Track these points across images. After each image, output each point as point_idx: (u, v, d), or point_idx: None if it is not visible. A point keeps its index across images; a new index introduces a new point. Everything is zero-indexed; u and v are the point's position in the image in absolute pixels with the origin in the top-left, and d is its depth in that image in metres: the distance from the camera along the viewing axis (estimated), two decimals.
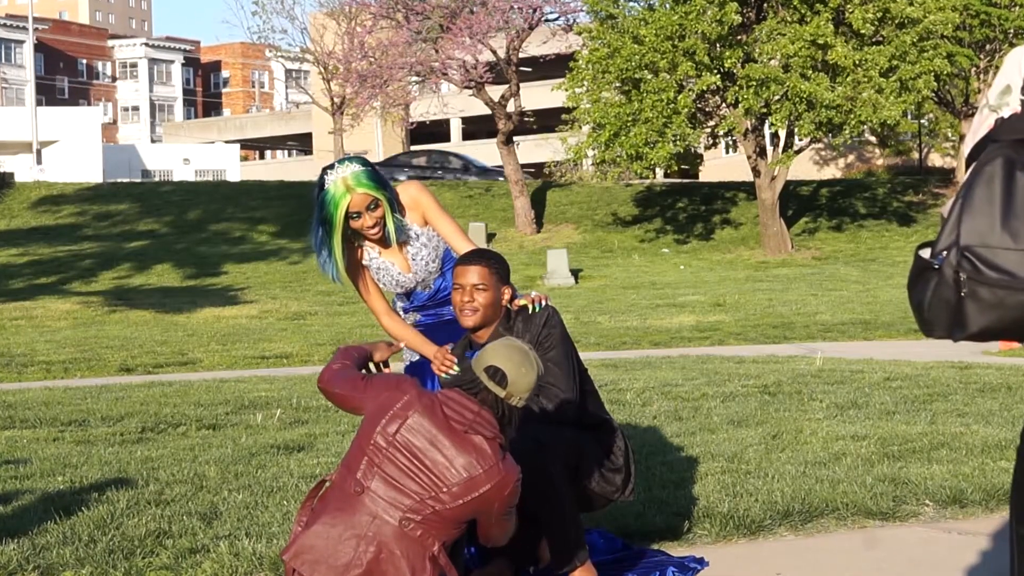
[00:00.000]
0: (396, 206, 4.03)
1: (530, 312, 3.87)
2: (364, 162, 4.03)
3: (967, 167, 2.50)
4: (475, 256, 3.88)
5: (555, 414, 3.76)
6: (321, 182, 3.99)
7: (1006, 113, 2.49)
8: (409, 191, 4.13)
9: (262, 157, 76.78)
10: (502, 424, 3.17)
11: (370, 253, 4.13)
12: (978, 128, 2.51)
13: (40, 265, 27.00)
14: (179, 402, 8.68)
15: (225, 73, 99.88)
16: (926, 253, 2.42)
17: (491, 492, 3.07)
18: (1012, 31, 31.18)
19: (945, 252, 2.36)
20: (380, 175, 4.04)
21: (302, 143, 66.57)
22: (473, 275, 3.81)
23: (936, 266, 2.37)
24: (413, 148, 46.96)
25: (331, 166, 4.03)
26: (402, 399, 3.16)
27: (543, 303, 3.89)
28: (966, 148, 2.54)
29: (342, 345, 3.61)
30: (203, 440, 6.93)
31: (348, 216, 3.96)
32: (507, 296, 3.85)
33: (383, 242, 4.07)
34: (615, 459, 3.85)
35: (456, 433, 3.09)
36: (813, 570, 4.15)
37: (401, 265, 4.12)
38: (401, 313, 4.26)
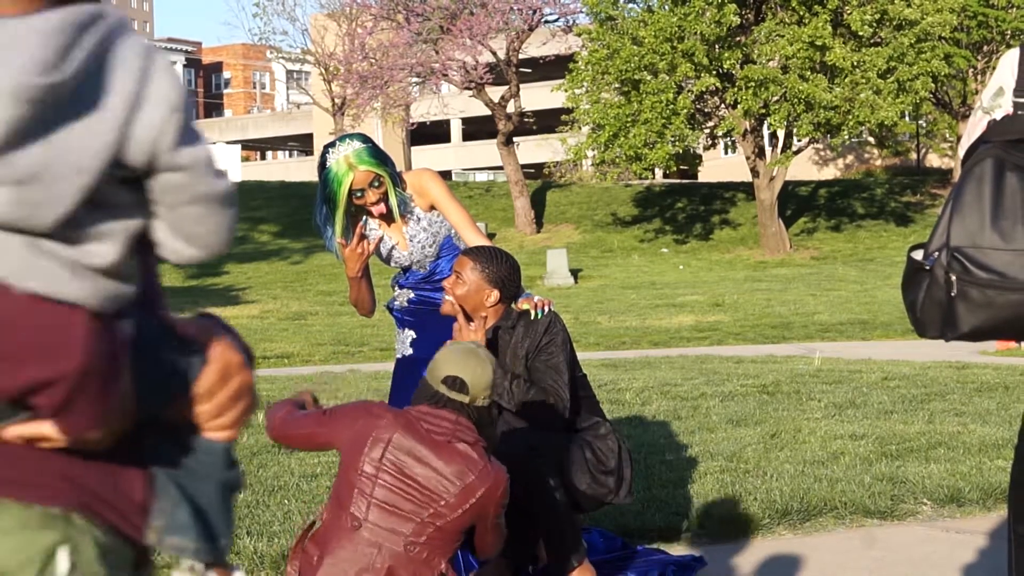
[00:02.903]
0: (398, 181, 4.06)
1: (532, 318, 3.87)
2: (365, 138, 4.06)
3: (962, 169, 2.53)
4: (473, 250, 3.90)
5: (549, 418, 3.78)
6: (323, 161, 4.02)
7: (999, 115, 2.51)
8: (420, 178, 4.16)
9: (263, 158, 76.83)
10: (482, 427, 3.15)
11: (370, 224, 4.16)
12: (972, 130, 2.54)
13: None
14: None
15: (226, 74, 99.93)
16: (919, 255, 2.44)
17: (486, 495, 3.06)
18: (1009, 32, 31.23)
19: (936, 253, 2.39)
20: (381, 151, 4.06)
21: (303, 144, 66.61)
22: (457, 264, 3.86)
23: (927, 267, 2.39)
24: None
25: (332, 144, 4.06)
26: (380, 423, 3.10)
27: (546, 309, 3.90)
28: (961, 150, 2.56)
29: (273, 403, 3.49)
30: None
31: (352, 193, 3.99)
32: (491, 299, 3.84)
33: (387, 217, 4.10)
34: (607, 461, 3.86)
35: (440, 445, 3.07)
36: (811, 569, 4.18)
37: (398, 241, 4.15)
38: (396, 288, 4.30)
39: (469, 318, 3.85)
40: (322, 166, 4.02)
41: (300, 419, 3.26)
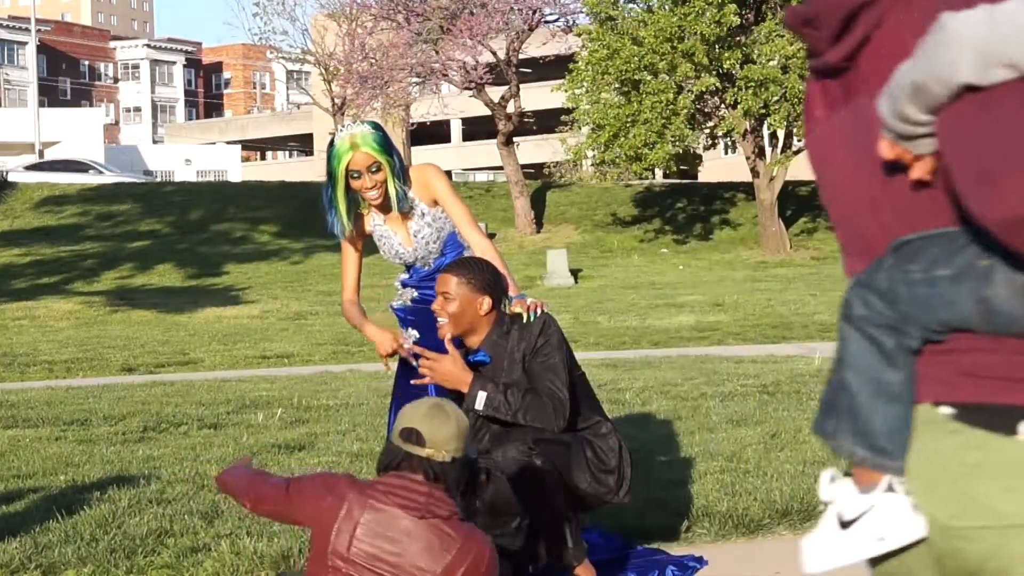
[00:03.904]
0: (402, 176, 4.06)
1: (525, 320, 3.87)
2: (375, 126, 4.09)
3: None
4: (451, 266, 3.89)
5: (548, 421, 3.77)
6: (332, 139, 4.07)
7: None
8: (425, 173, 4.17)
9: (263, 158, 76.85)
10: (456, 493, 2.91)
11: (375, 219, 4.16)
12: None
13: (43, 265, 27.04)
14: (180, 401, 8.71)
15: (226, 74, 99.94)
16: None
17: (468, 573, 2.83)
18: None
19: None
20: (388, 140, 4.07)
21: (303, 144, 66.63)
22: (441, 283, 3.82)
23: None
24: None
25: (345, 125, 4.11)
26: (343, 505, 2.85)
27: (539, 311, 3.89)
28: None
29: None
30: (204, 439, 6.96)
31: (349, 175, 4.00)
32: (485, 307, 3.82)
33: (384, 208, 4.10)
34: (607, 460, 3.87)
35: (414, 523, 2.84)
36: None
37: (403, 237, 4.16)
38: (400, 287, 4.30)
39: (462, 343, 3.84)
40: (331, 144, 4.06)
41: (265, 490, 3.01)
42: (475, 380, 3.75)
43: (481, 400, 3.72)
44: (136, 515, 4.85)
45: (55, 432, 7.33)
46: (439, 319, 3.84)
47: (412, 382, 3.94)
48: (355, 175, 3.99)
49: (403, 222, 4.14)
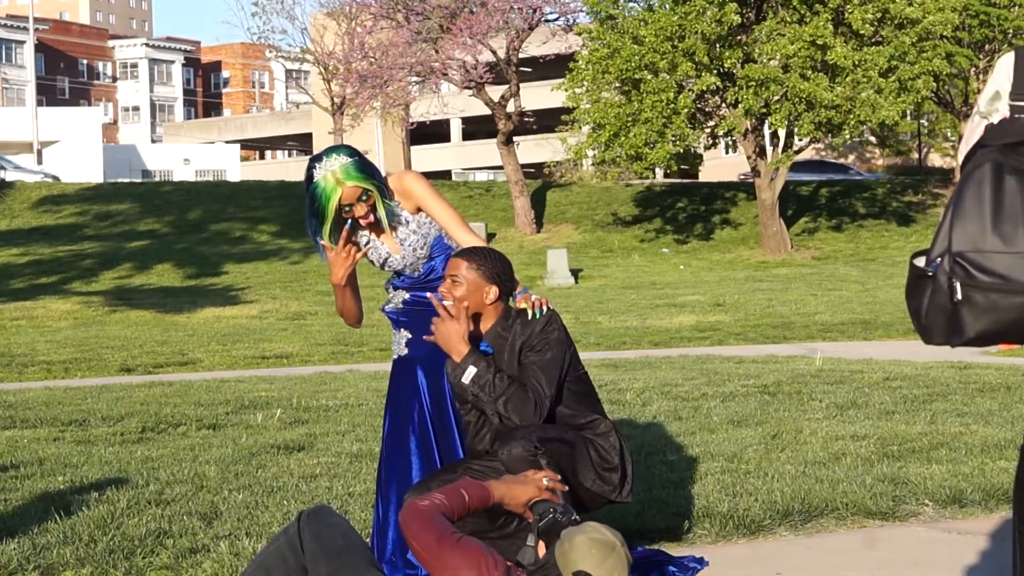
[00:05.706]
0: (386, 192, 4.04)
1: (529, 317, 3.86)
2: (351, 152, 4.03)
3: (961, 173, 2.51)
4: (464, 251, 3.91)
5: (526, 414, 3.75)
6: (310, 174, 3.99)
7: (996, 119, 2.50)
8: (403, 181, 4.15)
9: (262, 157, 76.84)
10: None
11: (359, 233, 4.14)
12: (970, 135, 2.53)
13: (41, 265, 27.02)
14: (179, 402, 8.69)
15: (225, 73, 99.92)
16: (921, 261, 2.42)
17: None
18: (1011, 31, 31.23)
19: (939, 259, 2.37)
20: (368, 164, 4.04)
21: (302, 143, 66.63)
22: (451, 267, 3.86)
23: (930, 274, 2.38)
24: None
25: (318, 158, 4.02)
26: None
27: (544, 308, 3.89)
28: (960, 155, 2.55)
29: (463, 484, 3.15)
30: (203, 440, 6.94)
31: (340, 208, 3.97)
32: (491, 296, 3.83)
33: (375, 227, 4.09)
34: (610, 458, 3.86)
35: None
36: (813, 570, 4.16)
37: (390, 246, 4.14)
38: (391, 290, 4.28)
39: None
40: (309, 179, 3.99)
41: (423, 515, 2.94)
42: (471, 353, 3.75)
43: (470, 375, 3.71)
44: (135, 516, 4.83)
45: (53, 433, 7.31)
46: (444, 302, 3.84)
47: (424, 338, 3.92)
48: (347, 209, 3.97)
49: (390, 232, 4.12)
